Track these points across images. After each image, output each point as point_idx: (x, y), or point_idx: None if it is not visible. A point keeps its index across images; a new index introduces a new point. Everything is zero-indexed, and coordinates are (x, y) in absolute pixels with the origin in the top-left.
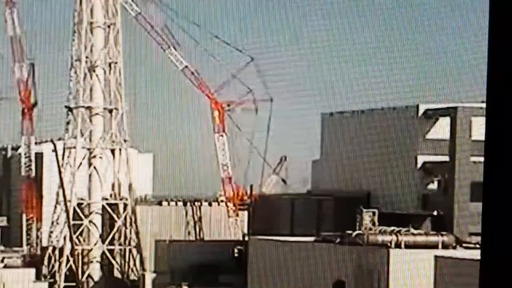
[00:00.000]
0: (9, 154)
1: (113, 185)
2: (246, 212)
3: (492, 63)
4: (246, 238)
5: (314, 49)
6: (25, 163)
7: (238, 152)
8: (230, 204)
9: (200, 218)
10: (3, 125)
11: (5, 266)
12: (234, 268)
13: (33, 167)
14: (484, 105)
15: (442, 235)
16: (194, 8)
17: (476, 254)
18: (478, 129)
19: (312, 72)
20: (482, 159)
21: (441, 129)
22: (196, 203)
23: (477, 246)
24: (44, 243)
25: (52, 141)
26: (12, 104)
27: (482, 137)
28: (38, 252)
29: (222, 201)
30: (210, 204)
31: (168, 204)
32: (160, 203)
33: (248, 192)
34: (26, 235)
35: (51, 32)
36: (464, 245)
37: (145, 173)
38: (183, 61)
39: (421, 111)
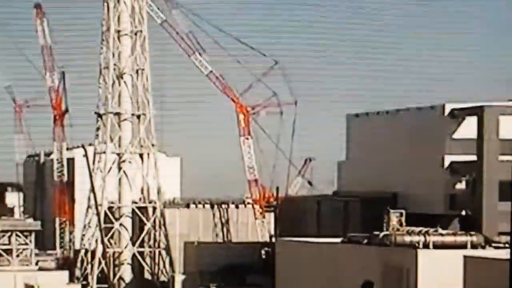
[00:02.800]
0: (42, 160)
1: (142, 189)
2: (272, 214)
3: None
4: (273, 240)
5: (338, 51)
6: (57, 169)
7: (264, 154)
8: (257, 206)
9: (227, 220)
10: (36, 132)
11: (40, 269)
12: (262, 269)
13: (65, 172)
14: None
15: (470, 235)
16: (218, 13)
17: (505, 253)
18: (506, 128)
19: (337, 74)
20: (510, 158)
21: (468, 128)
22: (223, 205)
23: (507, 245)
24: (77, 246)
25: (83, 146)
26: (44, 111)
27: (510, 136)
28: (71, 254)
29: (248, 203)
30: (237, 207)
31: (196, 207)
32: (188, 206)
33: (274, 194)
34: (59, 238)
35: (80, 41)
36: (494, 244)
37: (173, 177)
38: (208, 66)
39: (447, 111)
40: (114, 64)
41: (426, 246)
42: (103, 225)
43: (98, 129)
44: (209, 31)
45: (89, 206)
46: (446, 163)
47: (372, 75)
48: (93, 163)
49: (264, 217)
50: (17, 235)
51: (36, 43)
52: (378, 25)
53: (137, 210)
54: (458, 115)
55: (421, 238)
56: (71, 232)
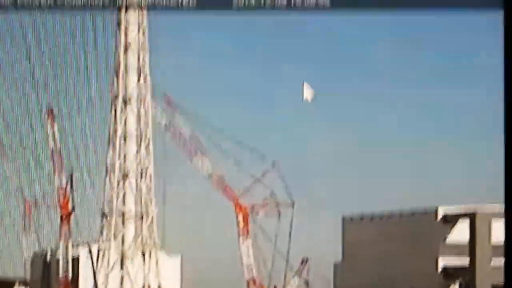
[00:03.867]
0: (48, 258)
1: (143, 287)
2: None
3: (509, 169)
4: None
5: (334, 155)
6: (62, 266)
7: (262, 254)
8: None
9: None
10: (43, 230)
11: None
12: None
13: (70, 269)
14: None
15: None
16: (220, 116)
17: None
18: (498, 232)
19: (332, 176)
20: (502, 262)
21: (460, 232)
22: None
23: None
24: None
25: (88, 244)
26: (52, 211)
27: (502, 240)
28: None
29: None
30: None
31: None
32: None
33: None
34: None
35: (88, 142)
36: None
37: (173, 275)
38: (209, 167)
39: (440, 215)
40: (120, 165)
41: None
42: None
43: (102, 227)
44: (210, 134)
45: None
46: (440, 267)
47: (369, 175)
48: (97, 260)
49: None
50: None
51: (46, 145)
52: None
53: None
54: (450, 220)
55: None
56: None
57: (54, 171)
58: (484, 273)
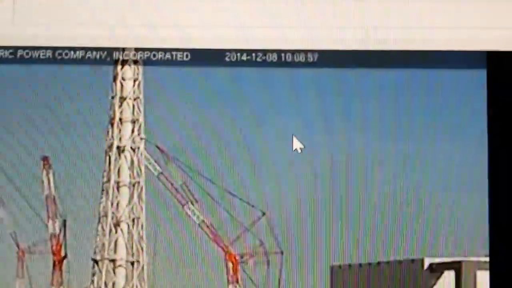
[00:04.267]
0: None
1: None
2: None
3: (493, 221)
4: None
5: (322, 204)
6: None
7: None
8: None
9: None
10: (36, 277)
11: None
12: None
13: None
14: (487, 258)
15: None
16: (211, 166)
17: None
18: (483, 282)
19: (321, 226)
20: None
21: (446, 282)
22: None
23: None
24: None
25: None
26: (44, 257)
27: None
28: None
29: None
30: None
31: None
32: None
33: None
34: None
35: (82, 190)
36: None
37: None
38: (200, 216)
39: (426, 265)
40: (112, 213)
41: None
42: None
43: (93, 274)
44: (201, 183)
45: None
46: None
47: (357, 227)
48: None
49: None
50: None
51: (40, 192)
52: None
53: None
54: (436, 269)
55: None
56: None
57: (48, 218)
58: None
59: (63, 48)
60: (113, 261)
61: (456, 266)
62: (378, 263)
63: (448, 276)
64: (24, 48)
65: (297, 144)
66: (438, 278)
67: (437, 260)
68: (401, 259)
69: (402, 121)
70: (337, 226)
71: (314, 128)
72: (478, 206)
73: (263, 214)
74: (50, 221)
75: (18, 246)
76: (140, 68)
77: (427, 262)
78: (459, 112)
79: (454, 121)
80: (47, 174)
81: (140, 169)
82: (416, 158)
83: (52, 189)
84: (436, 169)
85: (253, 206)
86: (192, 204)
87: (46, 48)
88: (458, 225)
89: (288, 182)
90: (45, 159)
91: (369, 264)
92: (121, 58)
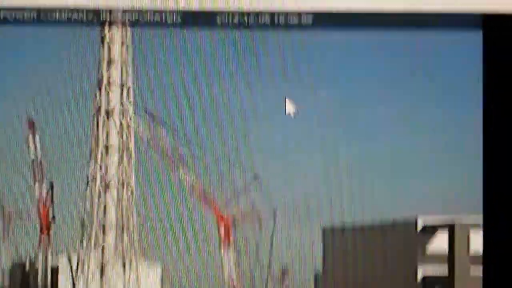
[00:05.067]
0: (27, 267)
1: None
2: None
3: (488, 179)
4: None
5: (315, 163)
6: (41, 276)
7: (243, 264)
8: None
9: None
10: (22, 240)
11: None
12: None
13: (49, 279)
14: (481, 218)
15: None
16: (202, 130)
17: None
18: (476, 243)
19: (314, 186)
20: (481, 272)
21: (440, 243)
22: None
23: None
24: None
25: (67, 254)
26: (31, 221)
27: (480, 251)
28: None
29: None
30: None
31: None
32: None
33: None
34: None
35: (69, 152)
36: None
37: (154, 286)
38: (191, 180)
39: (419, 226)
40: (101, 177)
41: None
42: None
43: (82, 238)
44: (192, 147)
45: None
46: (419, 277)
47: (350, 183)
48: (77, 270)
49: None
50: None
51: (27, 156)
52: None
53: None
54: (429, 230)
55: None
56: None
57: (35, 181)
58: (462, 283)
59: (48, 10)
60: (102, 225)
61: (449, 227)
62: (371, 225)
63: (442, 236)
64: (7, 9)
65: (290, 108)
66: (431, 238)
67: (431, 220)
68: (394, 221)
69: (398, 82)
70: (329, 188)
71: (308, 91)
72: (472, 167)
73: (255, 177)
74: (37, 184)
75: (3, 210)
76: (129, 30)
77: (420, 222)
78: (455, 73)
79: (450, 82)
80: (33, 138)
81: (129, 133)
82: (412, 119)
83: (39, 152)
84: (431, 130)
85: (245, 170)
86: (183, 168)
87: (31, 9)
88: (452, 185)
89: (280, 145)
90: (31, 123)
91: (362, 227)
92: (108, 19)
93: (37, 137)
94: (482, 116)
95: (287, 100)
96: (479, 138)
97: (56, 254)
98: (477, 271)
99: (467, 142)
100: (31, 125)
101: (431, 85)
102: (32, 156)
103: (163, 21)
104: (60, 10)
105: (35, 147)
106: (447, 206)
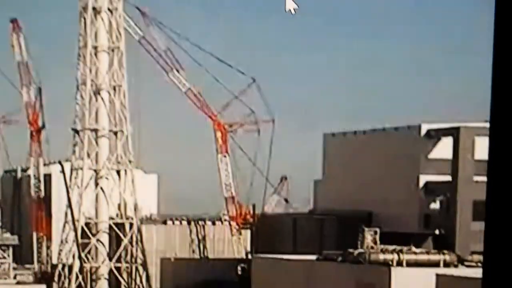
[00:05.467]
0: (19, 175)
1: (119, 205)
2: (249, 231)
3: (496, 82)
4: (249, 256)
5: (315, 68)
6: (34, 184)
7: (241, 172)
8: (233, 223)
9: (204, 237)
10: (12, 148)
11: (18, 283)
12: (238, 285)
13: (42, 187)
14: (487, 124)
15: (443, 253)
16: (196, 30)
17: (478, 272)
18: (481, 149)
19: (313, 92)
20: (484, 178)
21: (443, 149)
22: (200, 222)
23: (479, 264)
24: (54, 261)
25: (60, 162)
26: (20, 127)
27: (485, 157)
28: (49, 269)
29: (225, 220)
30: (213, 223)
31: (173, 223)
32: (165, 222)
33: (251, 211)
34: (36, 253)
35: (56, 56)
36: (466, 263)
37: (150, 193)
38: (186, 83)
39: (423, 131)
40: (91, 80)
41: (399, 264)
42: (80, 241)
43: (75, 145)
44: (187, 49)
45: (66, 222)
46: (421, 183)
47: (351, 91)
48: (70, 179)
49: (240, 234)
50: None
51: (12, 58)
52: (364, 42)
53: (114, 226)
54: (434, 136)
55: (395, 256)
56: (48, 247)
57: (22, 85)
58: (466, 188)
59: None
60: (95, 130)
61: (454, 132)
62: (374, 130)
63: (446, 142)
64: None
65: (290, 4)
66: (435, 144)
67: (435, 126)
68: (397, 127)
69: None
70: (331, 93)
71: None
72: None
73: (253, 80)
74: (25, 89)
75: None
76: None
77: (424, 128)
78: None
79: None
80: (18, 38)
81: (120, 33)
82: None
83: (24, 54)
84: (440, 31)
85: (243, 73)
86: (178, 71)
87: None
88: (459, 90)
89: (280, 46)
90: (14, 21)
91: (364, 131)
92: None
93: (21, 37)
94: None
95: None
96: (490, 39)
97: (49, 163)
98: (480, 178)
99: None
100: (15, 24)
101: None
102: (18, 58)
103: None
104: None
105: (20, 48)
106: (452, 115)
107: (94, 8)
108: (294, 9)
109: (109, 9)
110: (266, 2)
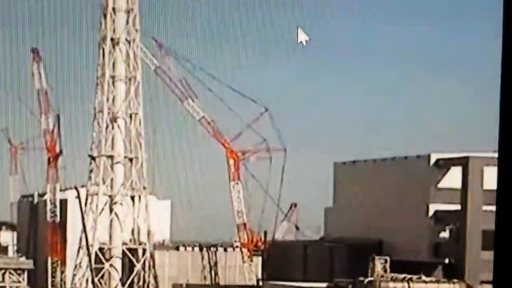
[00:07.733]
0: (35, 200)
1: (132, 231)
2: (260, 258)
3: (504, 113)
4: (260, 283)
5: (326, 99)
6: (50, 209)
7: (253, 199)
8: (245, 250)
9: (215, 263)
10: (30, 173)
11: None
12: None
13: (58, 212)
14: (496, 154)
15: (453, 282)
16: (211, 61)
17: None
18: (490, 178)
19: (325, 122)
20: (493, 208)
21: (453, 178)
22: (212, 248)
23: None
24: (68, 285)
25: (76, 188)
26: (39, 154)
27: (494, 187)
28: None
29: (237, 246)
30: (225, 250)
31: (185, 249)
32: (177, 248)
33: (262, 238)
34: (51, 277)
35: (75, 85)
36: None
37: (163, 219)
38: (200, 112)
39: (432, 161)
40: (108, 108)
41: None
42: (93, 265)
43: (91, 171)
44: (201, 78)
45: (80, 247)
46: (431, 212)
47: (361, 122)
48: (85, 204)
49: (252, 260)
50: (10, 273)
51: (32, 86)
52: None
53: (127, 251)
54: (443, 165)
55: (405, 285)
56: (62, 272)
57: (41, 113)
58: (475, 218)
59: None
60: (110, 157)
61: (463, 162)
62: (384, 159)
63: (455, 172)
64: None
65: (302, 36)
66: (445, 173)
67: (444, 155)
68: (407, 156)
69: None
70: (342, 122)
71: (320, 19)
72: (490, 100)
73: (266, 109)
74: (43, 116)
75: (10, 142)
76: None
77: (433, 158)
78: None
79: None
80: (38, 67)
81: (137, 63)
82: (428, 43)
83: (44, 82)
84: (449, 59)
85: (255, 101)
86: (192, 100)
87: None
88: (467, 119)
89: (293, 77)
90: (35, 51)
91: (374, 160)
92: None
93: (41, 66)
94: (502, 45)
95: (299, 29)
96: (498, 69)
97: (65, 189)
98: (489, 208)
99: (485, 74)
100: (36, 53)
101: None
102: (37, 86)
103: None
104: None
105: (40, 76)
106: (461, 145)
107: (112, 39)
108: (305, 40)
109: (126, 40)
110: (279, 33)
